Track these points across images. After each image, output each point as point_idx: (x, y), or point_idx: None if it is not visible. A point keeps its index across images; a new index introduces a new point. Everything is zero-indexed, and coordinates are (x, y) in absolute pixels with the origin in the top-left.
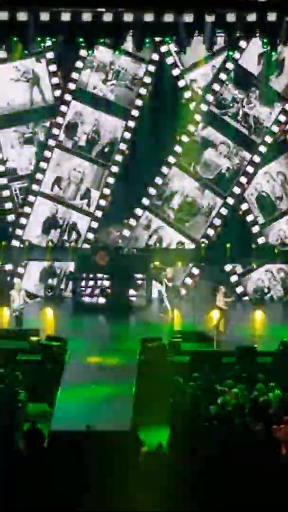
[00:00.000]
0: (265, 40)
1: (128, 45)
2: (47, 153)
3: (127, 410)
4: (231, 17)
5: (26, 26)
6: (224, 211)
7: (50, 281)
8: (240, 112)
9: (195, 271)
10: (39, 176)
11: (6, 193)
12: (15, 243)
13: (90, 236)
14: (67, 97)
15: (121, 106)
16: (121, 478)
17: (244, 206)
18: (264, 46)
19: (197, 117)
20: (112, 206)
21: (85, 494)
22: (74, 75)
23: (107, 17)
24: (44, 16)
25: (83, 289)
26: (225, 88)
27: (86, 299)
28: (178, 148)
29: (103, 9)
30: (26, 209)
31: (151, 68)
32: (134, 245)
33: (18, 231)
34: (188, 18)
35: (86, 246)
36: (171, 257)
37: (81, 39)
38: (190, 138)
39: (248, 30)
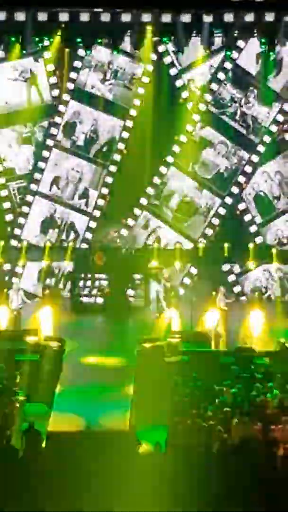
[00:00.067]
0: (263, 40)
1: (126, 44)
2: (45, 153)
3: (125, 410)
4: (229, 17)
5: (24, 26)
6: (222, 211)
7: (48, 281)
8: (238, 112)
9: (194, 270)
10: (37, 175)
11: (4, 192)
12: (14, 242)
13: (88, 235)
14: (65, 96)
15: (120, 105)
16: (119, 478)
17: (241, 206)
18: (262, 46)
19: (195, 117)
20: (110, 206)
21: (83, 494)
22: (73, 74)
23: (105, 17)
24: (42, 16)
25: (81, 289)
26: (223, 88)
27: (85, 300)
28: (176, 148)
29: (101, 9)
30: (24, 209)
31: (149, 67)
32: (132, 245)
33: (17, 231)
34: (186, 18)
35: (85, 245)
36: (169, 258)
37: (79, 39)
38: (188, 138)
39: (246, 30)
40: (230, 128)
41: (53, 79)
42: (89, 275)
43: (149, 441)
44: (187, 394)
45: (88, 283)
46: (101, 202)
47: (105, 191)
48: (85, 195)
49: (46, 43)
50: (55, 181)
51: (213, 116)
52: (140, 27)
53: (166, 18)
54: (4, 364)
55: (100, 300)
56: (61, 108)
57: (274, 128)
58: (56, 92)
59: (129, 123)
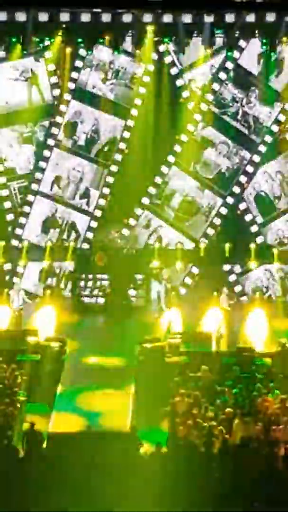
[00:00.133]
0: (264, 41)
1: (127, 44)
2: (46, 153)
3: (126, 410)
4: (230, 18)
5: (24, 27)
6: (223, 211)
7: (49, 281)
8: (240, 112)
9: (195, 270)
10: (38, 175)
11: (5, 192)
12: (15, 242)
13: (89, 235)
14: (67, 96)
15: (121, 105)
16: (120, 478)
17: (242, 206)
18: (263, 46)
19: (197, 117)
20: (111, 206)
21: (85, 494)
22: (74, 74)
23: (106, 18)
24: (43, 17)
25: (82, 289)
26: (225, 88)
27: (85, 300)
28: (177, 148)
29: (102, 10)
30: (26, 209)
31: (150, 67)
32: (134, 244)
33: (18, 231)
34: (187, 18)
35: (86, 245)
36: (170, 258)
37: (80, 40)
38: (190, 138)
39: (247, 30)
40: (232, 128)
41: (54, 79)
42: (90, 275)
43: (150, 442)
44: (188, 394)
45: (89, 283)
46: (102, 202)
47: (106, 191)
48: (86, 194)
49: (47, 43)
50: (56, 180)
51: (214, 116)
52: (141, 27)
53: (167, 18)
54: (5, 364)
55: (101, 300)
56: (62, 107)
57: (275, 128)
58: (57, 92)
59: (130, 123)
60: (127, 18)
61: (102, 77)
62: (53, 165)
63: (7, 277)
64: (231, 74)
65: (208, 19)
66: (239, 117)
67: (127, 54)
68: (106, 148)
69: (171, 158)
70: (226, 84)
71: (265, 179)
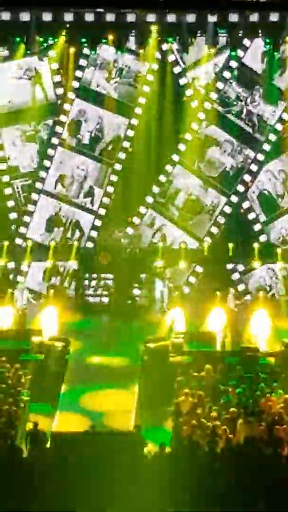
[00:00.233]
0: (267, 40)
1: (131, 43)
2: (50, 151)
3: (130, 410)
4: (233, 18)
5: (28, 26)
6: (227, 209)
7: (53, 280)
8: (244, 110)
9: (199, 269)
10: (42, 174)
11: (8, 190)
12: (19, 241)
13: (94, 234)
14: (71, 95)
15: (125, 104)
16: (124, 478)
17: (245, 204)
18: (266, 45)
19: (201, 115)
20: (115, 204)
21: (88, 494)
22: (78, 73)
23: (110, 17)
24: (47, 17)
25: (86, 288)
26: (229, 86)
27: (89, 299)
28: (181, 146)
29: (106, 10)
30: (30, 207)
31: (155, 66)
32: (138, 243)
33: (22, 229)
34: (191, 18)
35: (90, 244)
36: (173, 257)
37: (83, 40)
38: (194, 136)
39: (251, 30)
40: (236, 127)
41: (58, 78)
42: (94, 275)
43: (153, 441)
44: (192, 394)
45: (93, 282)
46: (106, 200)
47: (110, 189)
48: (90, 193)
49: (50, 42)
50: (61, 179)
51: (218, 115)
52: (145, 27)
53: (171, 18)
54: (8, 364)
55: (105, 299)
56: (66, 106)
57: (279, 127)
58: (60, 91)
59: (135, 121)
60: (130, 18)
61: (106, 75)
62: (57, 164)
63: (11, 276)
64: (235, 72)
65: (212, 18)
66: (243, 115)
67: (131, 53)
68: (110, 147)
69: (175, 157)
70: (230, 82)
71: (268, 178)
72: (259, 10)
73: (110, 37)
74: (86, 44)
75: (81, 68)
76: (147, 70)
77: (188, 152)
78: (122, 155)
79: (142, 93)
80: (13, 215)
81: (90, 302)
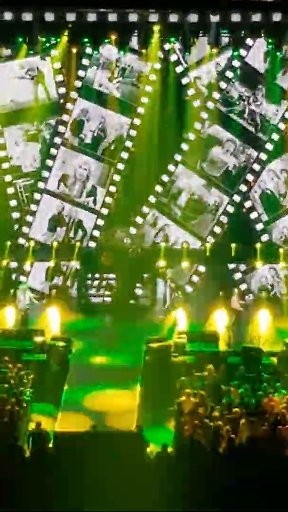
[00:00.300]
0: (269, 40)
1: (133, 43)
2: (53, 151)
3: (132, 410)
4: (236, 17)
5: (31, 26)
6: (230, 209)
7: (55, 280)
8: (247, 110)
9: (202, 269)
10: (45, 173)
11: (10, 190)
12: (21, 241)
13: (96, 233)
14: (73, 94)
15: (127, 103)
16: (126, 478)
17: (248, 204)
18: (268, 45)
19: (203, 115)
20: (118, 204)
21: (90, 494)
22: (80, 72)
23: (112, 17)
24: (49, 17)
25: (89, 288)
26: (232, 86)
27: (92, 299)
28: (184, 146)
29: (108, 10)
30: (32, 207)
31: (157, 65)
32: (140, 243)
33: (24, 229)
34: (193, 18)
35: (92, 244)
36: (176, 257)
37: (86, 39)
38: (196, 136)
39: (253, 30)
40: (238, 126)
41: (60, 77)
42: (97, 275)
43: (156, 442)
44: (194, 394)
45: (96, 282)
46: (108, 200)
47: (113, 189)
48: (92, 193)
49: (53, 42)
50: (63, 179)
51: (221, 114)
52: (147, 27)
53: (173, 18)
54: (11, 364)
55: (107, 299)
56: (69, 106)
57: (282, 126)
58: (62, 90)
59: (137, 121)
60: (133, 18)
61: (109, 75)
62: (60, 163)
63: (13, 276)
64: (238, 72)
65: (214, 18)
66: (246, 115)
67: (134, 52)
68: (112, 146)
69: (177, 156)
70: (233, 82)
71: (270, 177)
72: (261, 10)
73: (113, 37)
74: (88, 44)
75: (84, 68)
76: (149, 69)
77: (191, 152)
78: (124, 155)
79: (145, 93)
80: (15, 215)
81: (93, 302)
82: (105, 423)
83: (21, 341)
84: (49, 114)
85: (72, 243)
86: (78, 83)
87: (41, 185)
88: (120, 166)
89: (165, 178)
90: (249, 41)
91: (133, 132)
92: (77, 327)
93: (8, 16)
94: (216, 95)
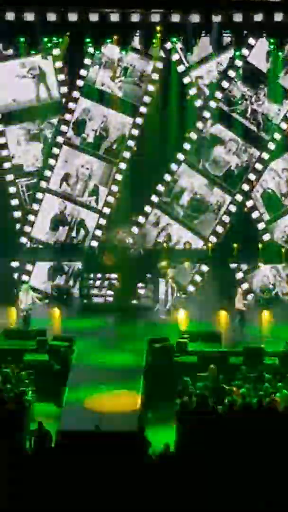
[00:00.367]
0: (271, 40)
1: (136, 43)
2: (55, 150)
3: (134, 410)
4: (237, 17)
5: (33, 27)
6: (233, 208)
7: (58, 279)
8: (249, 109)
9: (204, 269)
10: (47, 173)
11: (12, 189)
12: (23, 240)
13: (98, 233)
14: (75, 94)
15: (129, 103)
16: (128, 478)
17: (249, 203)
18: (270, 45)
19: (206, 114)
20: (120, 203)
21: (92, 494)
22: (82, 72)
23: (114, 18)
24: (51, 17)
25: (91, 288)
26: (234, 85)
27: (94, 299)
28: (186, 145)
29: (110, 10)
30: (34, 206)
31: (159, 65)
32: (143, 243)
33: (27, 228)
34: (195, 18)
35: (94, 243)
36: (178, 257)
37: (88, 39)
38: (199, 135)
39: (255, 30)
40: (241, 126)
41: (62, 76)
42: (99, 274)
43: (158, 442)
44: (196, 394)
45: (98, 282)
46: (111, 199)
47: (115, 188)
48: (95, 192)
49: (55, 42)
50: (65, 178)
51: (223, 114)
52: (149, 27)
53: (175, 18)
54: (13, 364)
55: (109, 299)
56: (71, 105)
57: (284, 126)
58: (64, 89)
59: (139, 120)
60: (135, 18)
61: (111, 74)
62: (62, 163)
63: (15, 276)
64: (240, 71)
65: (216, 19)
66: (248, 114)
67: (136, 52)
68: (115, 146)
69: (180, 156)
70: (235, 81)
71: (272, 177)
72: (263, 10)
73: (115, 37)
74: (90, 44)
75: (86, 67)
76: (152, 69)
77: (193, 151)
78: (126, 154)
79: (147, 92)
80: (17, 214)
81: (95, 302)
82: (107, 423)
83: (23, 341)
84: (51, 113)
85: (74, 242)
86: (80, 83)
87: (43, 184)
88: (122, 165)
89: (167, 177)
90: (251, 40)
91: (135, 132)
92: (79, 327)
93: (10, 16)
94: (219, 94)
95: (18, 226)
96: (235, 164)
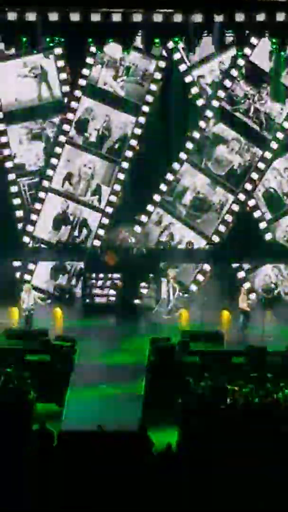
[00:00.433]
0: (273, 40)
1: (138, 42)
2: (57, 149)
3: (136, 410)
4: (240, 17)
5: (34, 26)
6: (235, 208)
7: (60, 278)
8: (252, 108)
9: (207, 268)
10: (49, 172)
11: (14, 188)
12: (25, 239)
13: (101, 232)
14: (77, 93)
15: (132, 102)
16: (130, 478)
17: (251, 202)
18: (272, 45)
19: (208, 113)
20: (123, 202)
21: (94, 494)
22: (85, 71)
23: (116, 18)
24: (53, 17)
25: (93, 288)
26: (237, 84)
27: (96, 299)
28: (189, 144)
29: (112, 10)
30: (36, 205)
31: (161, 64)
32: (145, 242)
33: (29, 228)
34: (197, 18)
35: (97, 242)
36: (180, 257)
37: (90, 39)
38: (201, 134)
39: (257, 30)
40: (243, 125)
41: (64, 75)
42: (101, 274)
43: (160, 441)
44: (198, 394)
45: (100, 282)
46: (113, 198)
47: (117, 187)
48: (97, 191)
49: (56, 41)
50: (68, 177)
51: (226, 113)
52: (151, 27)
53: (177, 18)
54: (15, 364)
55: (111, 299)
56: (73, 104)
57: (286, 125)
58: (66, 88)
59: (142, 120)
60: (137, 18)
61: (113, 74)
62: (65, 162)
63: (17, 275)
64: (243, 70)
65: (218, 18)
66: (250, 113)
67: (138, 51)
68: (117, 145)
69: (182, 155)
70: (238, 81)
71: (274, 176)
72: (265, 10)
73: (117, 36)
74: (92, 44)
75: (88, 66)
76: (154, 68)
77: (196, 150)
78: (129, 153)
79: (149, 91)
80: (19, 213)
81: (97, 301)
82: (110, 422)
83: (25, 341)
84: (53, 113)
85: (76, 242)
86: (83, 82)
87: (45, 183)
88: (125, 164)
89: (170, 176)
90: (253, 40)
91: (137, 131)
92: (81, 327)
93: (11, 16)
94: (221, 93)
95: (20, 225)
96: (237, 163)
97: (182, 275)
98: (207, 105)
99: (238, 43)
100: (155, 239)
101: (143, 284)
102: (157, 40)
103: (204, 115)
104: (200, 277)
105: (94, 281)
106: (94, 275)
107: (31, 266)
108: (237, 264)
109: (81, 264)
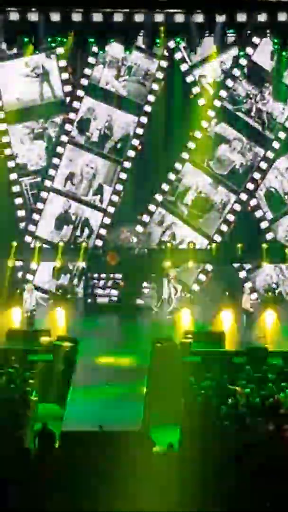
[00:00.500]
0: (275, 40)
1: (140, 42)
2: (59, 149)
3: (138, 410)
4: (241, 17)
5: (37, 27)
6: (237, 207)
7: (62, 278)
8: (254, 108)
9: (209, 268)
10: (51, 171)
11: (16, 188)
12: (28, 239)
13: (103, 232)
14: (79, 92)
15: (134, 101)
16: (132, 478)
17: (253, 202)
18: (274, 45)
19: (210, 113)
20: (124, 202)
21: (96, 494)
22: (87, 70)
23: (118, 17)
24: (55, 17)
25: (95, 288)
26: (239, 84)
27: (98, 299)
28: (191, 144)
29: (114, 10)
30: (39, 205)
31: (163, 63)
32: (147, 241)
33: (31, 227)
34: (199, 18)
35: (99, 242)
36: (182, 257)
37: (92, 39)
38: (203, 134)
39: (259, 30)
40: (245, 124)
41: (66, 75)
42: (103, 274)
43: (162, 441)
44: (200, 394)
45: (102, 282)
46: (115, 198)
47: (119, 187)
48: (99, 191)
49: (59, 41)
50: (70, 177)
51: (228, 112)
52: (153, 27)
53: (179, 18)
54: (17, 365)
55: (113, 299)
56: (75, 104)
57: None
58: (68, 88)
59: (144, 119)
60: (138, 18)
61: (115, 73)
62: (67, 162)
63: (19, 275)
64: (245, 70)
65: (220, 18)
66: (252, 113)
67: (140, 51)
68: (119, 145)
69: (184, 155)
70: (240, 80)
71: (275, 175)
72: (267, 10)
73: (119, 36)
74: (94, 44)
75: (90, 66)
76: (156, 68)
77: (198, 150)
78: (131, 153)
79: (151, 91)
80: (21, 213)
81: (99, 301)
82: (111, 423)
83: (28, 341)
84: (55, 112)
85: (78, 241)
86: (85, 81)
87: (47, 183)
88: (127, 164)
89: (172, 176)
90: (255, 39)
91: (139, 130)
92: (83, 327)
93: (13, 16)
94: (223, 93)
95: (22, 225)
96: (239, 163)
97: (183, 275)
98: (209, 104)
99: (239, 43)
100: (157, 239)
101: (145, 284)
102: (158, 40)
103: (206, 114)
104: (202, 277)
105: (96, 281)
106: (96, 275)
107: (33, 266)
108: (239, 264)
109: (83, 264)
